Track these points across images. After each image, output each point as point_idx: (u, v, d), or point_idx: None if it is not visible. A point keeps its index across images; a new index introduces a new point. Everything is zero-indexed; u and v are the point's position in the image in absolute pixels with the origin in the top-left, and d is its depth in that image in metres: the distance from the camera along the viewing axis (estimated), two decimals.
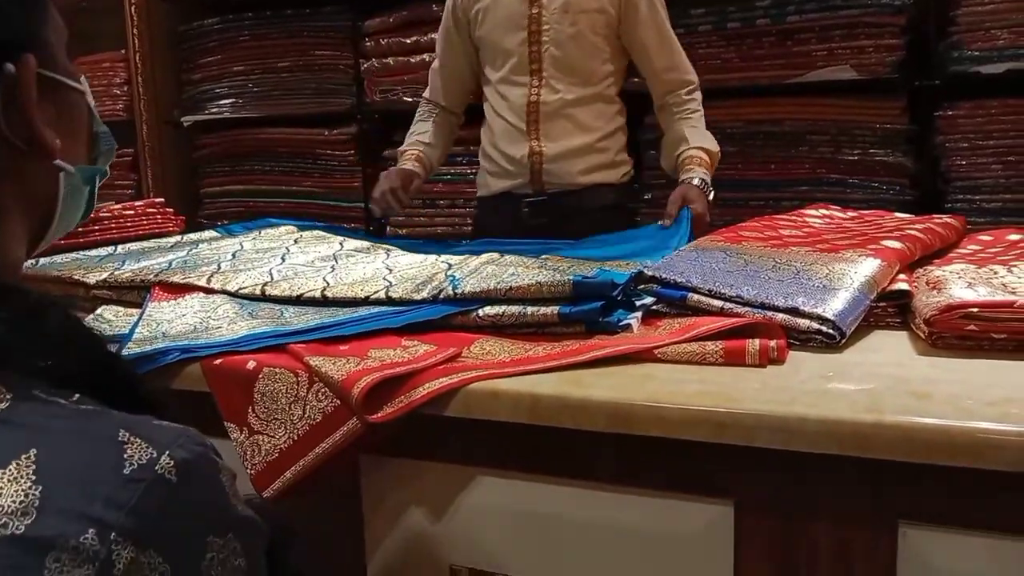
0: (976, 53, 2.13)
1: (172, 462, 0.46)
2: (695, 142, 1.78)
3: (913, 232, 1.22)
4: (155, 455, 0.46)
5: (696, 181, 1.70)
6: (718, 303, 1.00)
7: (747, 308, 0.98)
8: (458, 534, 0.94)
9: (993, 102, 2.15)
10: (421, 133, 2.00)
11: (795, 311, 0.95)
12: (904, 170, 2.26)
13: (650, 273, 1.07)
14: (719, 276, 1.04)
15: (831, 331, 0.93)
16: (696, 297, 1.02)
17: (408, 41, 2.66)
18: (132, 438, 0.46)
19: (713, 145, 1.81)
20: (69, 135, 0.60)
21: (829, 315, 0.93)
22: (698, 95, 1.87)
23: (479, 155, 2.02)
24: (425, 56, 2.63)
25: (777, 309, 0.96)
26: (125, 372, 0.56)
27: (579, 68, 1.82)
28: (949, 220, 1.36)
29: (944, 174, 2.23)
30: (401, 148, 2.01)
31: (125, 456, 0.45)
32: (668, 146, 1.86)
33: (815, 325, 0.94)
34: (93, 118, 0.65)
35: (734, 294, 0.99)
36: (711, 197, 1.70)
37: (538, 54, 1.81)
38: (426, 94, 2.05)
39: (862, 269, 1.04)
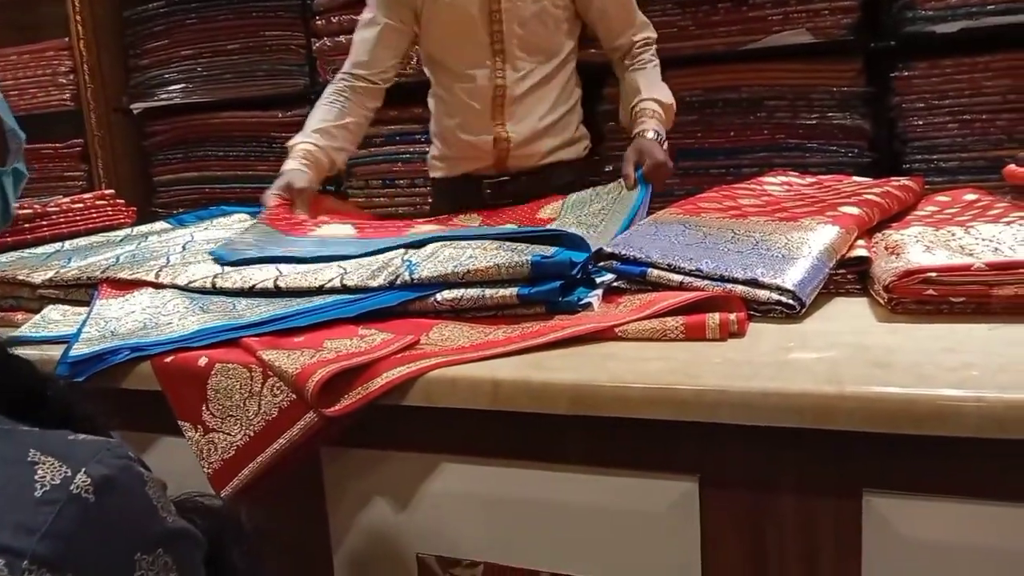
0: (930, 13, 2.13)
1: (89, 480, 0.44)
2: (647, 93, 1.72)
3: (871, 197, 1.22)
4: (70, 474, 0.43)
5: (649, 134, 1.64)
6: (678, 277, 0.99)
7: (707, 281, 0.97)
8: (423, 522, 0.93)
9: (948, 61, 2.15)
10: (320, 120, 1.70)
11: (754, 282, 0.94)
12: (862, 132, 2.26)
13: (609, 250, 1.05)
14: (678, 250, 1.03)
15: (791, 301, 0.92)
16: (656, 272, 1.00)
17: (360, 18, 2.59)
18: (44, 457, 0.44)
19: (667, 96, 1.74)
20: None
21: (788, 285, 0.93)
22: (654, 47, 1.81)
23: (432, 136, 1.93)
24: None
25: (736, 281, 0.95)
26: (54, 391, 0.53)
27: (543, 46, 1.75)
28: (907, 182, 1.36)
29: (901, 135, 2.24)
30: (291, 143, 1.70)
31: (36, 477, 0.43)
32: (624, 98, 1.80)
33: (775, 296, 0.93)
34: (2, 114, 0.61)
35: (693, 268, 0.98)
36: (665, 146, 1.65)
37: (500, 35, 1.71)
38: (347, 69, 1.77)
39: (820, 237, 1.03)
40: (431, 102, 1.91)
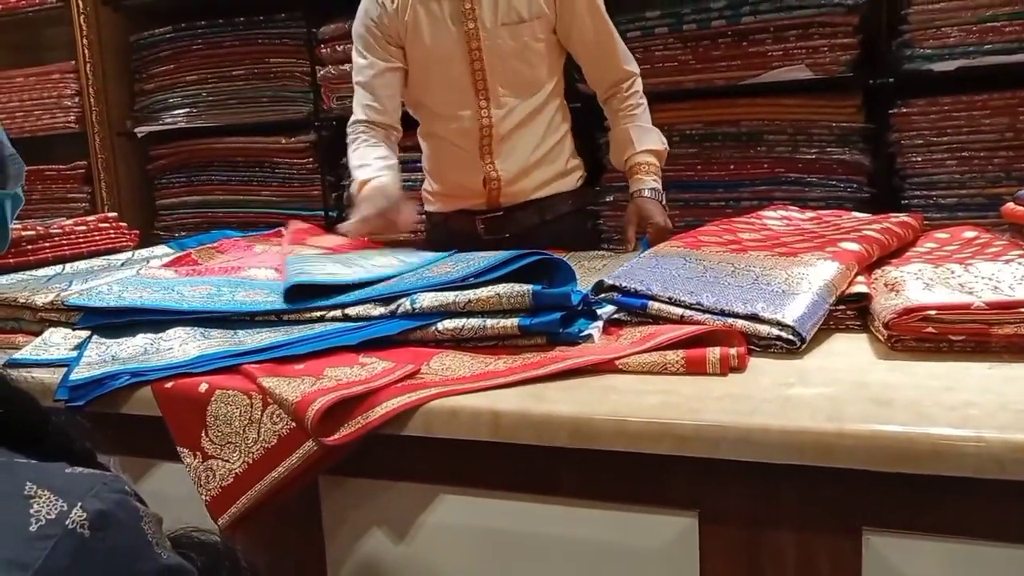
0: (928, 51, 2.16)
1: (85, 514, 0.43)
2: (641, 145, 1.73)
3: (871, 233, 1.23)
4: (65, 508, 0.43)
5: (647, 192, 1.67)
6: (678, 311, 0.99)
7: (707, 315, 0.97)
8: (421, 554, 0.92)
9: (946, 99, 2.18)
10: (379, 158, 1.69)
11: (755, 317, 0.95)
12: (861, 168, 2.28)
13: (610, 282, 1.05)
14: (679, 283, 1.03)
15: (791, 337, 0.93)
16: (656, 305, 1.01)
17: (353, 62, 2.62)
18: (39, 491, 0.43)
19: (659, 143, 1.76)
20: None
21: (788, 321, 0.93)
22: (639, 86, 1.80)
23: (424, 171, 1.91)
24: None
25: (737, 316, 0.96)
26: (54, 424, 0.53)
27: (527, 81, 1.72)
28: (906, 219, 1.37)
29: (900, 171, 2.26)
30: (364, 177, 1.65)
31: (31, 511, 0.42)
32: (615, 145, 1.80)
33: (775, 331, 0.93)
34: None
35: (694, 301, 0.99)
36: (664, 201, 1.69)
37: (482, 73, 1.69)
38: (361, 116, 1.75)
39: (821, 272, 1.04)
40: (420, 141, 1.89)
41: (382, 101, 1.74)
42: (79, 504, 0.43)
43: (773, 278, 1.03)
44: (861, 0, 2.21)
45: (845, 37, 2.22)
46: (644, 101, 1.80)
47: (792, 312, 0.94)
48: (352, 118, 1.77)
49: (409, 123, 2.32)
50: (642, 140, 1.74)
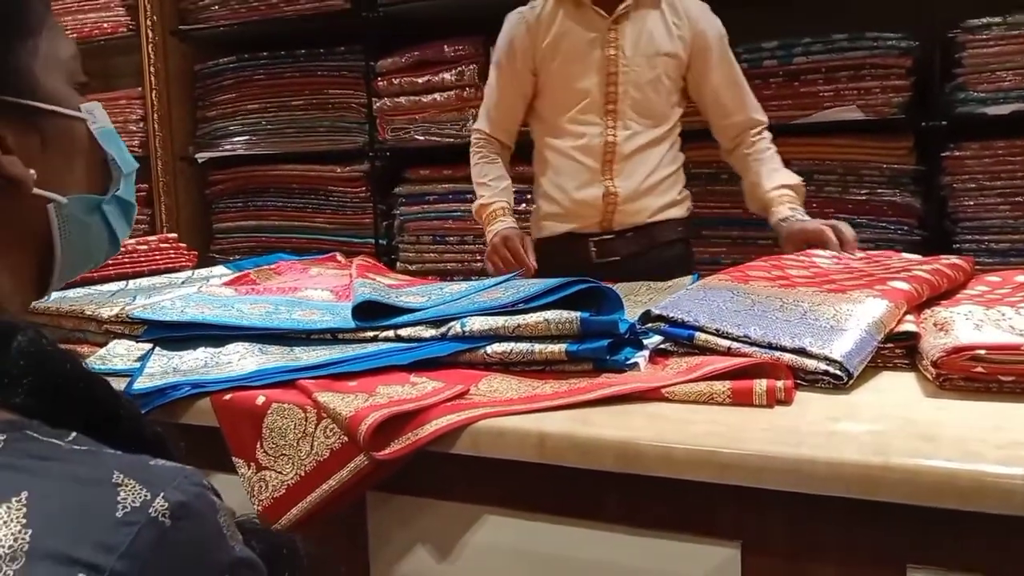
0: (981, 94, 2.15)
1: (166, 504, 0.45)
2: (771, 182, 1.78)
3: (921, 273, 1.23)
4: (149, 497, 0.45)
5: (788, 214, 1.71)
6: (725, 343, 1.00)
7: (754, 348, 0.98)
8: (464, 574, 0.94)
9: (1000, 143, 2.16)
10: (496, 178, 1.94)
11: (802, 351, 0.95)
12: (912, 210, 2.26)
13: (657, 312, 1.07)
14: (726, 315, 1.04)
15: (838, 372, 0.93)
16: (703, 336, 1.02)
17: (420, 81, 2.70)
18: (126, 480, 0.46)
19: (792, 177, 1.80)
20: (63, 164, 0.60)
21: (836, 356, 0.93)
22: (767, 134, 1.86)
23: (535, 196, 1.98)
24: (436, 96, 2.67)
25: (784, 349, 0.96)
26: (128, 412, 0.56)
27: (655, 111, 1.82)
28: (957, 261, 1.36)
29: (952, 214, 2.24)
30: (484, 201, 1.92)
31: (119, 499, 0.45)
32: (749, 190, 1.85)
33: (822, 366, 0.94)
34: (105, 144, 0.64)
35: (741, 334, 1.00)
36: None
37: (615, 96, 1.79)
38: (484, 128, 1.97)
39: (869, 310, 1.04)
40: (536, 163, 1.97)
41: (503, 118, 1.95)
42: (161, 494, 0.46)
43: (821, 314, 1.04)
44: (914, 43, 2.21)
45: (898, 79, 2.23)
46: (773, 148, 1.84)
47: (840, 347, 0.95)
48: (476, 123, 2.01)
49: (459, 159, 2.39)
50: (772, 178, 1.78)
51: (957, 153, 2.20)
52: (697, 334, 1.02)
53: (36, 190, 0.57)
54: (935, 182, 2.25)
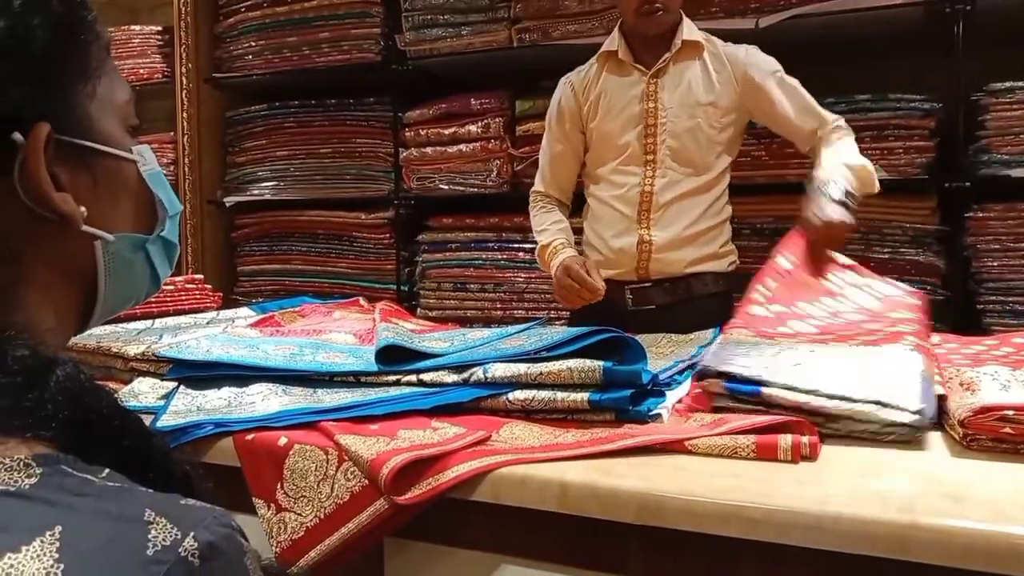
0: (1005, 156, 2.16)
1: (196, 544, 0.46)
2: (832, 160, 1.69)
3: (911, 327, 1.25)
4: (179, 536, 0.46)
5: (829, 188, 1.57)
6: (796, 396, 0.97)
7: (825, 401, 0.96)
8: None
9: (1023, 205, 2.16)
10: (552, 223, 1.93)
11: (878, 403, 0.94)
12: (935, 270, 2.26)
13: (717, 368, 1.04)
14: (784, 370, 1.03)
15: (915, 420, 0.92)
16: (770, 391, 0.99)
17: (446, 132, 2.74)
18: (158, 518, 0.46)
19: (856, 158, 1.69)
20: (110, 203, 0.61)
21: (914, 407, 0.92)
22: (842, 122, 1.82)
23: (583, 245, 1.99)
24: (462, 147, 2.71)
25: (857, 401, 0.95)
26: (159, 449, 0.56)
27: (694, 160, 1.82)
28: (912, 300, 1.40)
29: (975, 275, 2.23)
30: (543, 242, 1.91)
31: (149, 537, 0.45)
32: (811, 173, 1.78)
33: (900, 416, 0.92)
34: (146, 187, 0.65)
35: (810, 387, 0.98)
36: (848, 203, 1.58)
37: (653, 146, 1.82)
38: (539, 187, 2.01)
39: (914, 361, 1.05)
40: (583, 213, 2.01)
41: (557, 179, 2.00)
42: (192, 534, 0.46)
43: (873, 366, 1.04)
44: (937, 104, 2.23)
45: (921, 140, 2.24)
46: (850, 135, 1.79)
47: (913, 398, 0.94)
48: (533, 187, 2.05)
49: (482, 208, 2.41)
50: (835, 156, 1.70)
51: (981, 214, 2.20)
52: (763, 389, 1.00)
53: (85, 227, 0.58)
54: (958, 242, 2.25)
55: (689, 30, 1.83)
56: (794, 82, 1.83)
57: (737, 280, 1.95)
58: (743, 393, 1.01)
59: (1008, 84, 2.16)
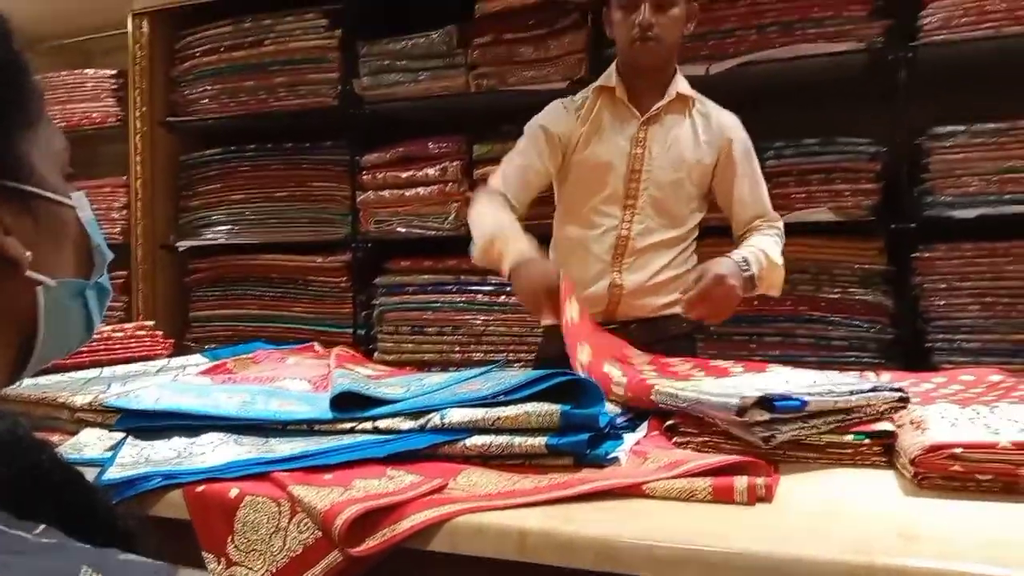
0: (948, 198, 2.23)
1: None
2: (759, 244, 1.74)
3: None
4: None
5: (736, 256, 1.65)
6: (838, 397, 1.03)
7: (876, 393, 1.06)
8: None
9: (967, 245, 2.22)
10: (510, 220, 1.73)
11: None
12: (884, 309, 2.31)
13: (753, 393, 1.01)
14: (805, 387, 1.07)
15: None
16: (816, 400, 1.02)
17: (403, 176, 2.75)
18: (94, 575, 0.44)
19: (776, 253, 1.74)
20: (52, 248, 0.60)
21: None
22: (780, 230, 1.86)
23: None
24: (419, 190, 2.72)
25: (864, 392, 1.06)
26: (102, 503, 0.55)
27: (672, 211, 1.84)
28: None
29: (923, 314, 2.28)
30: (491, 235, 1.69)
31: None
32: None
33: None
34: (86, 233, 0.65)
35: (846, 390, 1.05)
36: (749, 274, 1.63)
37: (636, 191, 1.82)
38: (497, 185, 1.84)
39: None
40: (551, 249, 1.95)
41: (521, 185, 1.84)
42: None
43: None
44: (883, 148, 2.29)
45: (867, 183, 2.30)
46: (780, 237, 1.83)
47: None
48: (489, 182, 1.88)
49: (440, 251, 2.39)
50: (763, 244, 1.75)
51: (927, 254, 2.26)
52: (810, 399, 1.01)
53: (29, 272, 0.57)
54: (907, 282, 2.30)
55: (683, 84, 1.85)
56: (758, 167, 1.88)
57: (701, 324, 1.97)
58: (793, 408, 1.00)
59: (949, 129, 2.24)
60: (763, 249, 1.72)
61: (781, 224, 1.88)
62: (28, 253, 0.57)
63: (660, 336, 1.83)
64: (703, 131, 1.84)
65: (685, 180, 1.83)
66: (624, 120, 1.84)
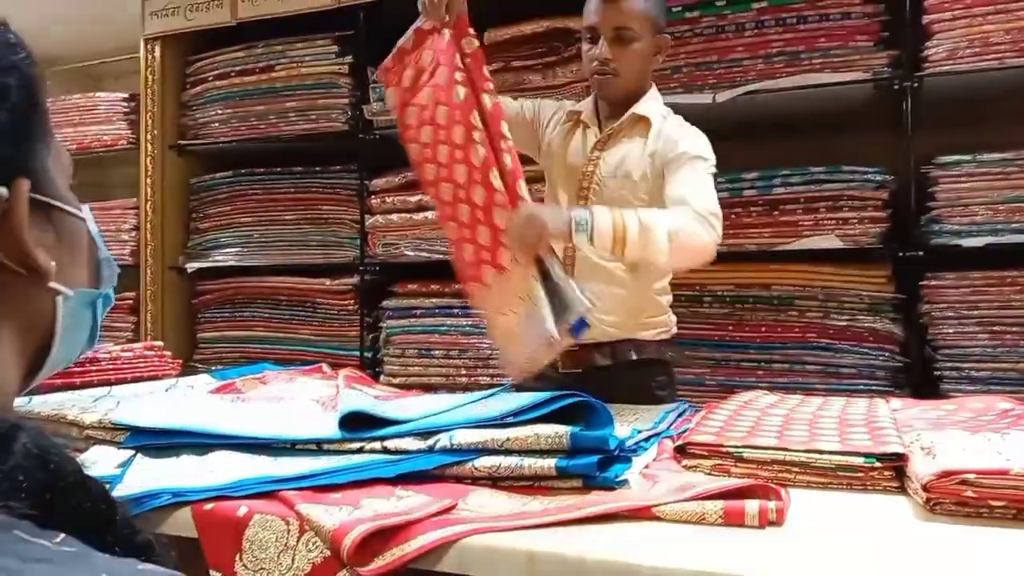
0: (956, 227, 2.23)
1: None
2: (645, 213, 1.55)
3: None
4: None
5: (575, 212, 1.49)
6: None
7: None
8: None
9: (975, 274, 2.22)
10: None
11: None
12: (892, 337, 2.30)
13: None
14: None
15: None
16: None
17: (412, 200, 2.76)
18: None
19: (659, 225, 1.51)
20: (69, 259, 0.61)
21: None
22: (711, 219, 1.59)
23: None
24: (427, 214, 2.73)
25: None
26: (122, 515, 0.55)
27: None
28: None
29: (932, 342, 2.27)
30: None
31: None
32: None
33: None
34: (96, 245, 0.66)
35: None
36: (576, 229, 1.48)
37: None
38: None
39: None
40: None
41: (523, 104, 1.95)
42: None
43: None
44: (890, 176, 2.30)
45: (875, 210, 2.30)
46: (697, 227, 1.57)
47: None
48: None
49: (448, 275, 2.40)
50: (649, 210, 1.60)
51: (935, 282, 2.26)
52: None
53: (52, 283, 0.58)
54: (915, 309, 2.30)
55: (645, 105, 1.81)
56: (706, 180, 1.70)
57: (670, 346, 1.89)
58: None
59: (955, 158, 2.25)
60: (642, 218, 1.52)
61: (712, 220, 1.61)
62: (53, 263, 0.58)
63: (618, 360, 1.76)
64: (651, 148, 1.77)
65: (630, 198, 1.75)
66: (585, 137, 1.85)
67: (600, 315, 1.76)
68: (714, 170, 1.70)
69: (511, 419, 1.06)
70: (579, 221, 1.47)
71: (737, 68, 2.43)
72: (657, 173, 1.76)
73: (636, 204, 1.77)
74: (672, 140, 1.76)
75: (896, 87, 2.23)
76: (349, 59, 2.89)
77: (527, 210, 1.50)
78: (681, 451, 1.11)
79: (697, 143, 1.75)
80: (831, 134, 2.50)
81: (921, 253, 2.24)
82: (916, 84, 2.21)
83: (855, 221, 2.32)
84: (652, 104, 1.83)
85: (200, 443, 1.15)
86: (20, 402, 1.29)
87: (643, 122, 1.81)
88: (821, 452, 1.03)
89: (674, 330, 1.89)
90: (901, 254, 2.27)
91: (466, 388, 2.63)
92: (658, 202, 1.74)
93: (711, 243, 1.57)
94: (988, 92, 2.28)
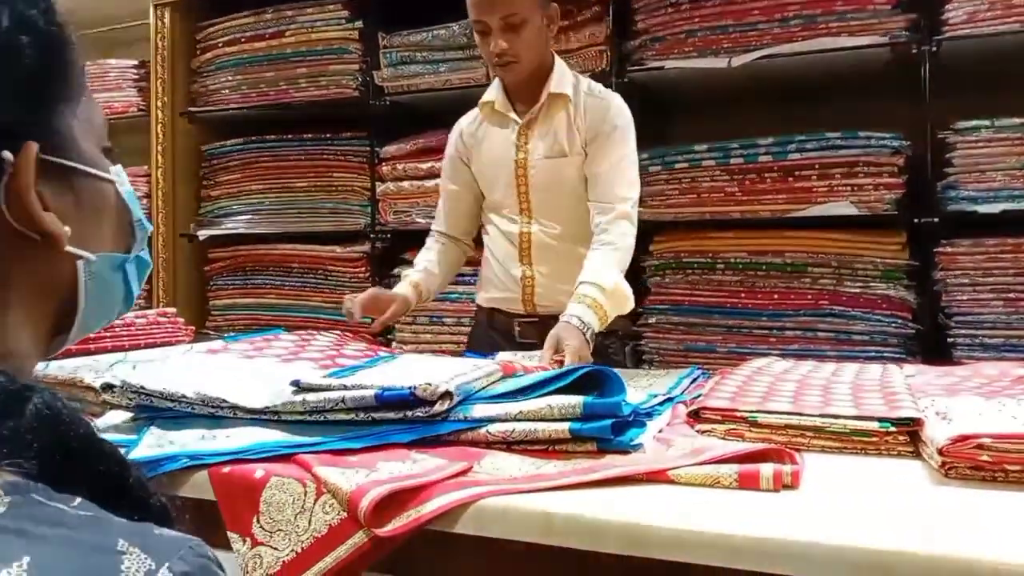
0: (972, 193, 2.20)
1: (171, 574, 0.45)
2: (590, 276, 1.67)
3: None
4: (153, 567, 0.44)
5: (574, 321, 1.58)
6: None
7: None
8: None
9: (991, 240, 2.20)
10: (425, 260, 1.99)
11: None
12: (906, 304, 2.29)
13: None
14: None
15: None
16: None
17: (423, 167, 2.75)
18: (131, 548, 0.45)
19: (611, 279, 1.67)
20: (92, 223, 0.61)
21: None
22: (623, 224, 1.75)
23: (482, 262, 2.03)
24: (438, 181, 2.71)
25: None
26: (136, 479, 0.55)
27: (562, 213, 1.84)
28: None
29: (946, 309, 2.26)
30: (406, 272, 2.01)
31: (122, 567, 0.44)
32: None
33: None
34: (127, 208, 0.65)
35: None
36: (588, 335, 1.58)
37: (526, 196, 1.85)
38: (433, 225, 2.05)
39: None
40: (483, 234, 2.03)
41: (451, 216, 2.02)
42: (167, 564, 0.45)
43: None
44: (906, 142, 2.28)
45: (890, 176, 2.28)
46: (622, 241, 1.74)
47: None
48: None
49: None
50: (597, 272, 1.68)
51: (950, 249, 2.24)
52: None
53: (69, 247, 0.57)
54: (929, 277, 2.28)
55: (558, 82, 1.80)
56: (629, 152, 1.79)
57: (623, 320, 1.90)
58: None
59: (973, 123, 2.22)
60: (596, 284, 1.65)
61: (626, 224, 1.76)
62: (67, 228, 0.57)
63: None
64: (577, 119, 1.80)
65: (569, 176, 1.80)
66: (506, 127, 1.88)
67: (557, 290, 1.80)
68: (633, 133, 1.82)
69: (522, 398, 1.07)
70: (586, 330, 1.59)
71: (753, 32, 2.40)
72: (585, 142, 1.82)
73: (573, 183, 1.83)
74: (597, 110, 1.82)
75: (914, 51, 2.20)
76: (359, 24, 2.86)
77: (572, 349, 1.50)
78: (695, 415, 1.11)
79: (615, 111, 1.82)
80: (847, 99, 2.47)
81: (936, 220, 2.22)
82: (935, 48, 2.18)
83: (870, 187, 2.29)
84: (564, 78, 1.84)
85: (214, 415, 1.15)
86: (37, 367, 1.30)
87: (561, 98, 1.82)
88: (836, 417, 1.03)
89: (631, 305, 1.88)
90: (916, 220, 2.25)
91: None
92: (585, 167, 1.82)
93: (633, 237, 1.78)
94: (1008, 56, 2.24)
